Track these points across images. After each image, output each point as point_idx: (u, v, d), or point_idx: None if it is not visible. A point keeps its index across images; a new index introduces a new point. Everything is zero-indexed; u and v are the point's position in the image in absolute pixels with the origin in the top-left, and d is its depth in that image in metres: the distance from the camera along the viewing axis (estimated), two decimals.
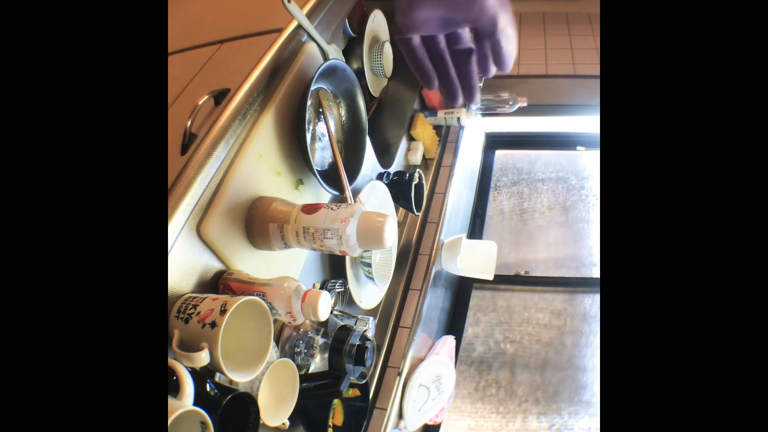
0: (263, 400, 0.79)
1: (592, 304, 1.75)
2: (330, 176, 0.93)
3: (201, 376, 0.66)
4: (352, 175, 0.97)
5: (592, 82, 1.75)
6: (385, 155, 1.39)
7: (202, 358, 0.61)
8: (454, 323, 1.66)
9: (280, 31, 0.93)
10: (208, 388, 0.66)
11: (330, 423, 0.98)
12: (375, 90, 1.44)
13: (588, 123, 1.83)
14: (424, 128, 1.54)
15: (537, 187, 2.01)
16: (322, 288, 1.03)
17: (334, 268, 1.07)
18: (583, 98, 1.74)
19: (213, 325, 0.61)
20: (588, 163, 2.01)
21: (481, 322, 1.77)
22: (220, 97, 0.82)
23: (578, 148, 1.96)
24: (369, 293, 1.15)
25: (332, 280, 1.05)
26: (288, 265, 0.87)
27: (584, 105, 1.74)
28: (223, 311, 0.61)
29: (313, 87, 0.86)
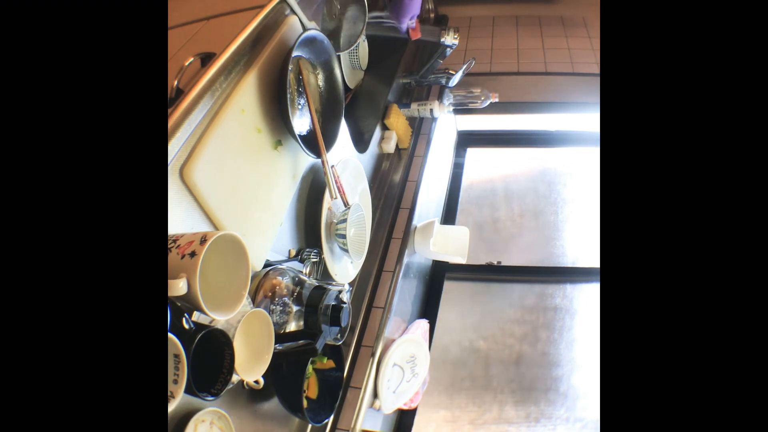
0: (238, 355, 0.79)
1: (564, 296, 1.79)
2: (308, 141, 0.96)
3: (179, 310, 0.66)
4: (329, 142, 1.00)
5: (563, 79, 1.84)
6: (360, 142, 1.43)
7: (180, 288, 0.61)
8: (428, 309, 1.69)
9: (263, 7, 0.96)
10: (184, 323, 0.66)
11: (304, 392, 0.98)
12: (351, 82, 1.49)
13: (561, 120, 1.92)
14: (397, 118, 1.59)
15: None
16: (296, 256, 1.04)
17: (310, 237, 1.09)
18: (556, 95, 1.83)
19: (192, 254, 0.62)
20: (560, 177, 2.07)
21: (454, 320, 1.78)
22: (207, 60, 0.85)
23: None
24: (343, 267, 1.17)
25: (308, 250, 1.06)
26: (263, 223, 0.88)
27: (556, 102, 1.83)
28: (203, 241, 0.63)
29: (294, 54, 0.89)
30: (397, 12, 1.29)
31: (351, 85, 1.50)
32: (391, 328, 1.38)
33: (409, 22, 1.33)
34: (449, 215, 1.93)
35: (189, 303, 0.65)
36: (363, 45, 1.54)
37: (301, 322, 0.94)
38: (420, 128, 1.75)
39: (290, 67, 0.89)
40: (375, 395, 1.29)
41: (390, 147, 1.57)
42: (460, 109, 1.79)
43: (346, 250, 1.11)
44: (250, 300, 0.85)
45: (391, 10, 1.32)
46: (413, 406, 1.46)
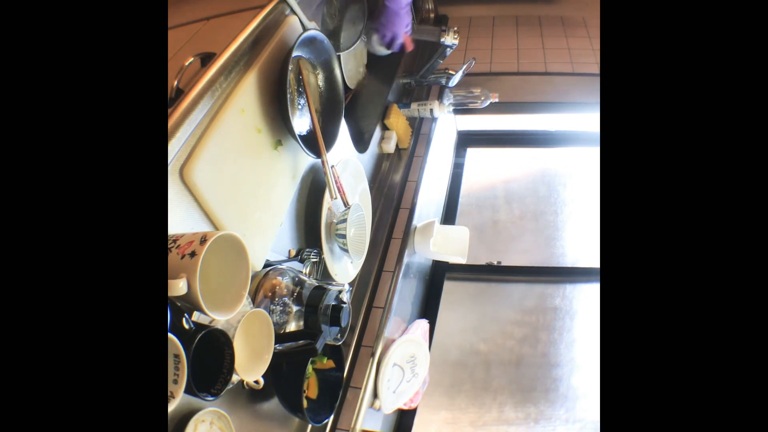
0: (238, 355, 0.79)
1: (563, 296, 1.79)
2: (308, 141, 0.96)
3: (179, 310, 0.66)
4: (329, 142, 1.00)
5: (563, 79, 1.84)
6: (360, 142, 1.43)
7: (180, 288, 0.61)
8: (428, 309, 1.69)
9: (263, 7, 0.96)
10: (184, 323, 0.66)
11: (304, 392, 0.98)
12: (351, 82, 1.49)
13: (561, 120, 1.92)
14: (397, 118, 1.59)
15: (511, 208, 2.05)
16: (296, 256, 1.04)
17: (310, 238, 1.09)
18: (556, 95, 1.83)
19: (192, 254, 0.62)
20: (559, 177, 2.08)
21: (455, 322, 1.78)
22: (206, 60, 0.85)
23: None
24: (343, 267, 1.17)
25: (308, 250, 1.06)
26: (263, 223, 0.88)
27: (556, 102, 1.83)
28: (203, 241, 0.63)
29: (294, 54, 0.89)
30: (385, 23, 1.29)
31: (351, 86, 1.50)
32: (391, 328, 1.38)
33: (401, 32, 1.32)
34: (449, 215, 1.93)
35: (189, 303, 0.65)
36: (363, 45, 1.54)
37: (301, 322, 0.94)
38: (420, 128, 1.75)
39: (290, 67, 0.89)
40: (375, 395, 1.29)
41: (390, 147, 1.57)
42: (460, 109, 1.79)
43: (346, 250, 1.11)
44: (250, 300, 0.85)
45: (382, 20, 1.32)
46: (413, 406, 1.46)
